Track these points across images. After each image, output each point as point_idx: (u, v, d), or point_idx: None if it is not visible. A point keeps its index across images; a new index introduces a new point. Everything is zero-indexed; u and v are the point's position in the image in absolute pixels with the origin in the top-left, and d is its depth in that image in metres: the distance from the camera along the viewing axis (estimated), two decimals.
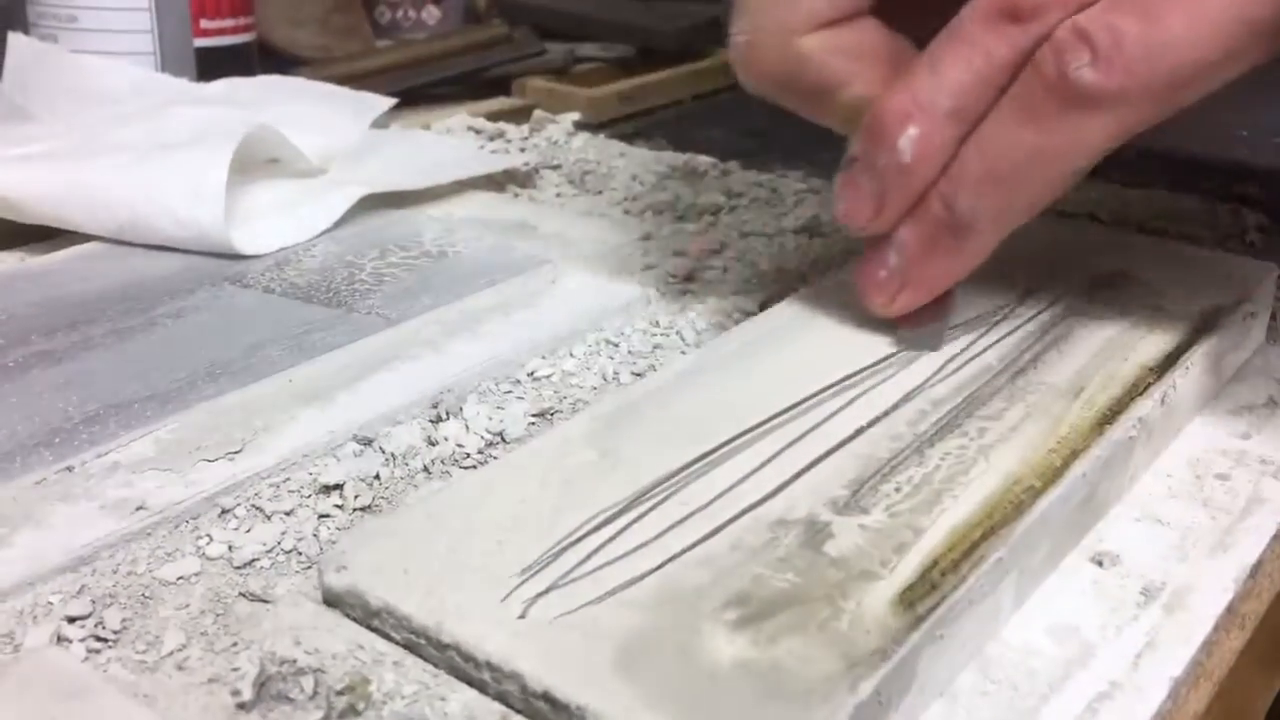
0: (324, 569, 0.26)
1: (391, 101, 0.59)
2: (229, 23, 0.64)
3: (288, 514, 0.30)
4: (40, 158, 0.47)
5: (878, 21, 0.33)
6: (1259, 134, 0.56)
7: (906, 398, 0.31)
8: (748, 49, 0.34)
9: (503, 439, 0.34)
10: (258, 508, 0.30)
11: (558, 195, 0.54)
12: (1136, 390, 0.32)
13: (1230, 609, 0.28)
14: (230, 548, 0.29)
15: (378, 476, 0.32)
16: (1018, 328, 0.35)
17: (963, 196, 0.31)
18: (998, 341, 0.34)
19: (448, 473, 0.32)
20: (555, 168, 0.57)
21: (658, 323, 0.41)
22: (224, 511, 0.30)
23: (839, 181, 0.33)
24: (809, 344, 0.34)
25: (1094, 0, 0.29)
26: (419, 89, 0.69)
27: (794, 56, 0.33)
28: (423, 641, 0.24)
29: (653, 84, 0.73)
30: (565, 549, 0.25)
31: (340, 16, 0.79)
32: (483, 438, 0.34)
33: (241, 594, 0.27)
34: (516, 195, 0.54)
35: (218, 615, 0.26)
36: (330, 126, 0.55)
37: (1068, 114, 0.29)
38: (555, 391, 0.36)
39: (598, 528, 0.26)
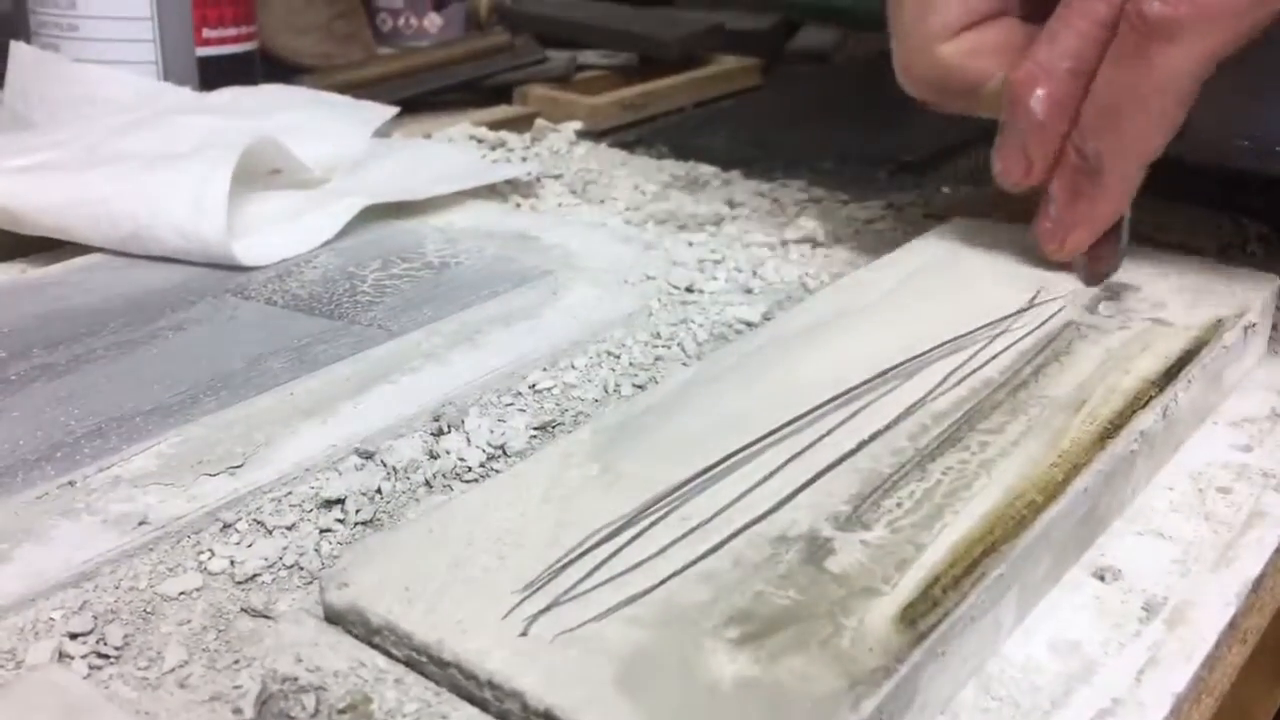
0: (325, 586, 0.26)
1: (393, 110, 0.59)
2: (231, 31, 0.64)
3: (289, 529, 0.30)
4: (42, 168, 0.47)
5: (1015, 20, 0.38)
6: (1260, 144, 0.56)
7: (908, 411, 0.31)
8: (901, 62, 0.39)
9: (504, 452, 0.34)
10: (259, 522, 0.30)
11: (559, 205, 0.54)
12: (1138, 404, 0.32)
13: (1232, 624, 0.28)
14: (232, 563, 0.29)
15: (379, 490, 0.32)
16: (1018, 340, 0.35)
17: (1089, 140, 0.36)
18: (999, 355, 0.34)
19: (449, 486, 0.32)
20: (557, 177, 0.57)
21: (659, 334, 0.41)
22: (226, 526, 0.30)
23: (995, 147, 0.38)
24: (810, 357, 0.34)
25: None
26: (421, 97, 0.69)
27: (938, 64, 0.38)
28: (424, 659, 0.24)
29: (654, 92, 0.73)
30: (566, 565, 0.25)
31: (342, 24, 0.79)
32: (484, 451, 0.34)
33: (243, 610, 0.27)
34: (518, 205, 0.54)
35: (219, 631, 0.26)
36: (332, 136, 0.55)
37: (1150, 48, 0.33)
38: (557, 404, 0.36)
39: (599, 544, 0.26)
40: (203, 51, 0.62)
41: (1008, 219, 0.45)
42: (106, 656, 0.26)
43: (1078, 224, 0.38)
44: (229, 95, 0.58)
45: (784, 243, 0.49)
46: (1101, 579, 0.29)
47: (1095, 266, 0.39)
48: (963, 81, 0.38)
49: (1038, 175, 0.38)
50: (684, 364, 0.39)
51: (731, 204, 0.54)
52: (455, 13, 0.86)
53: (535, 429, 0.35)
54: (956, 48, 0.38)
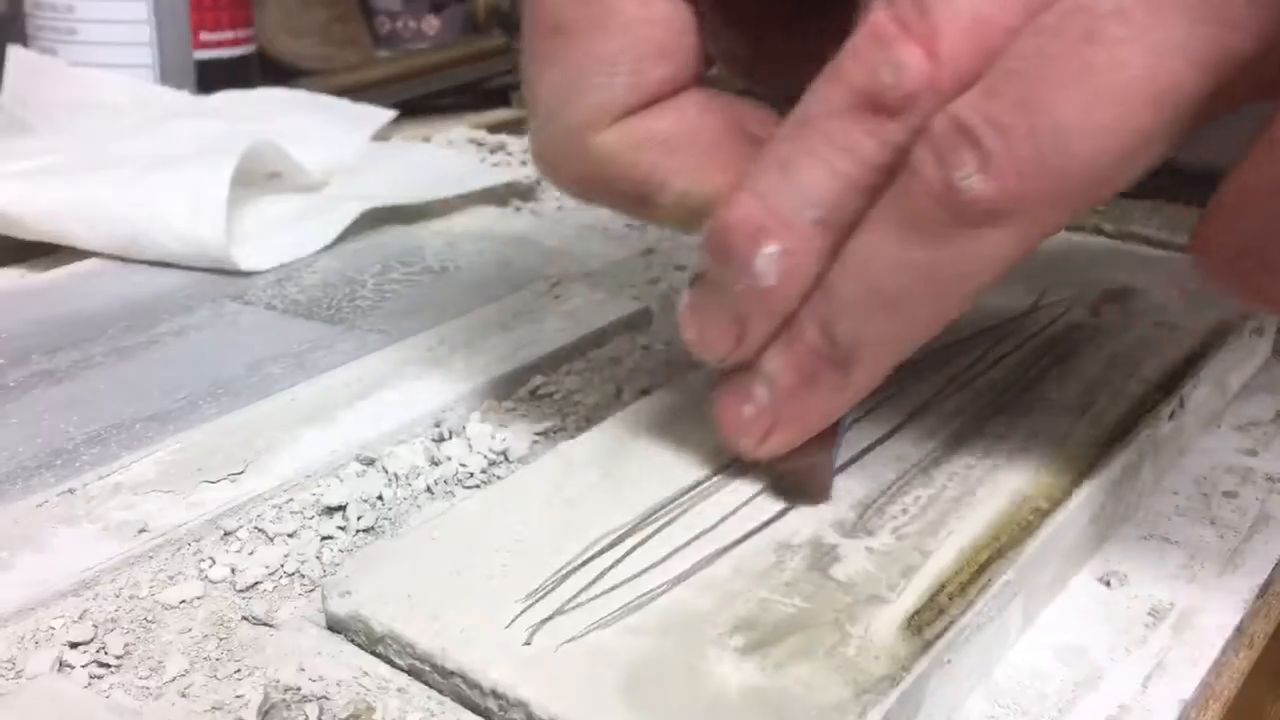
0: (328, 594, 0.25)
1: (392, 114, 0.59)
2: (229, 35, 0.64)
3: (290, 536, 0.30)
4: (40, 173, 0.47)
5: (702, 92, 0.28)
6: None
7: (912, 416, 0.31)
8: (539, 150, 0.28)
9: (506, 458, 0.34)
10: (260, 530, 0.30)
11: (559, 208, 0.54)
12: (1144, 407, 0.32)
13: (1239, 629, 0.28)
14: (233, 570, 0.28)
15: (381, 497, 0.31)
16: (1022, 344, 0.35)
17: (844, 323, 0.25)
18: (1003, 358, 0.34)
19: (451, 493, 0.32)
20: None
21: (661, 339, 0.41)
22: (226, 534, 0.30)
23: (685, 303, 0.28)
24: None
25: (972, 79, 0.23)
26: (419, 100, 0.69)
27: (592, 159, 0.27)
28: (427, 668, 0.24)
29: None
30: (570, 573, 0.25)
31: (340, 27, 0.79)
32: (486, 457, 0.33)
33: (244, 618, 0.27)
34: (518, 209, 0.54)
35: (220, 640, 0.26)
36: (331, 139, 0.55)
37: (960, 229, 0.23)
38: (558, 409, 0.36)
39: (602, 551, 0.26)
40: (200, 55, 0.62)
41: None
42: (107, 666, 0.25)
43: (798, 420, 0.27)
44: (227, 99, 0.58)
45: None
46: (1107, 585, 0.28)
47: (802, 476, 0.28)
48: (629, 183, 0.27)
49: (748, 352, 0.27)
50: (686, 369, 0.39)
51: None
52: (453, 15, 0.86)
53: (537, 435, 0.35)
54: (619, 137, 0.27)
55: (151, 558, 0.29)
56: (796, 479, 0.28)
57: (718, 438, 0.28)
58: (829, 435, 0.28)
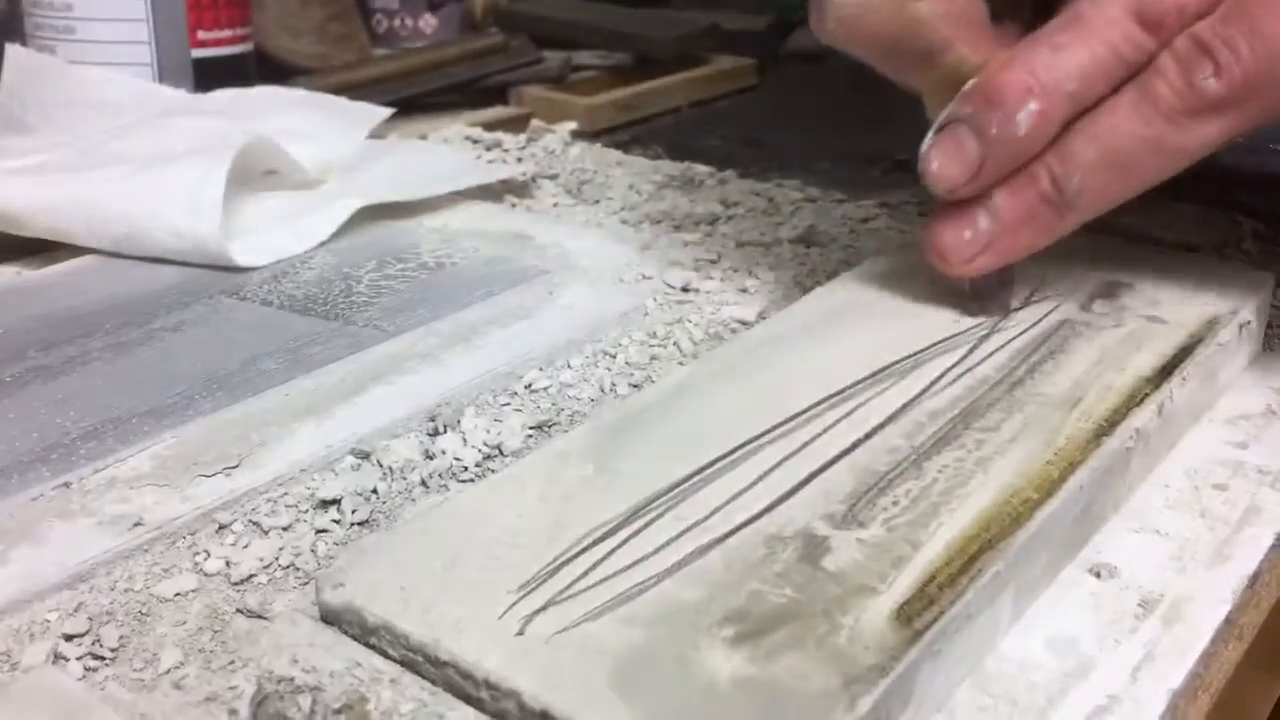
0: (321, 586, 0.26)
1: (388, 111, 0.59)
2: (226, 33, 0.64)
3: (285, 529, 0.30)
4: (37, 170, 0.47)
5: None
6: (1256, 142, 0.56)
7: (903, 410, 0.31)
8: (860, 12, 0.35)
9: (500, 452, 0.34)
10: (255, 523, 0.30)
11: (555, 205, 0.54)
12: (1134, 401, 0.32)
13: (1229, 620, 0.28)
14: (228, 564, 0.29)
15: (375, 491, 0.32)
16: (1014, 338, 0.35)
17: (1075, 177, 0.33)
18: (994, 353, 0.34)
19: (445, 486, 0.32)
20: (552, 177, 0.57)
21: (655, 334, 0.41)
22: (221, 527, 0.30)
23: (933, 141, 0.34)
24: (805, 356, 0.34)
25: (1207, 13, 0.32)
26: (416, 98, 0.69)
27: (909, 19, 0.35)
28: (420, 659, 0.24)
29: (649, 92, 0.73)
30: (562, 565, 0.25)
31: (337, 25, 0.79)
32: (480, 451, 0.34)
33: (239, 610, 0.27)
34: (514, 205, 0.54)
35: (215, 632, 0.26)
36: (327, 137, 0.55)
37: (1193, 117, 0.32)
38: (553, 403, 0.36)
39: (595, 543, 0.26)
40: (198, 53, 0.62)
41: None
42: (102, 658, 0.25)
43: (1007, 249, 0.35)
44: (224, 97, 0.58)
45: (779, 242, 0.49)
46: (1098, 576, 0.29)
47: (994, 292, 0.36)
48: (926, 44, 0.35)
49: (978, 188, 0.34)
50: (680, 363, 0.39)
51: (727, 204, 0.54)
52: (450, 14, 0.86)
53: (531, 429, 0.35)
54: (932, 8, 0.35)
55: (146, 551, 0.29)
56: (989, 294, 0.36)
57: (926, 256, 0.36)
58: (1010, 266, 0.36)
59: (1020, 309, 0.37)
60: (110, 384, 0.36)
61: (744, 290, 0.45)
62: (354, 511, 0.31)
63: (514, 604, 0.24)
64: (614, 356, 0.39)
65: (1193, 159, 0.33)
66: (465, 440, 0.34)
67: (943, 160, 0.34)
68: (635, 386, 0.37)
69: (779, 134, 0.68)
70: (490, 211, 0.52)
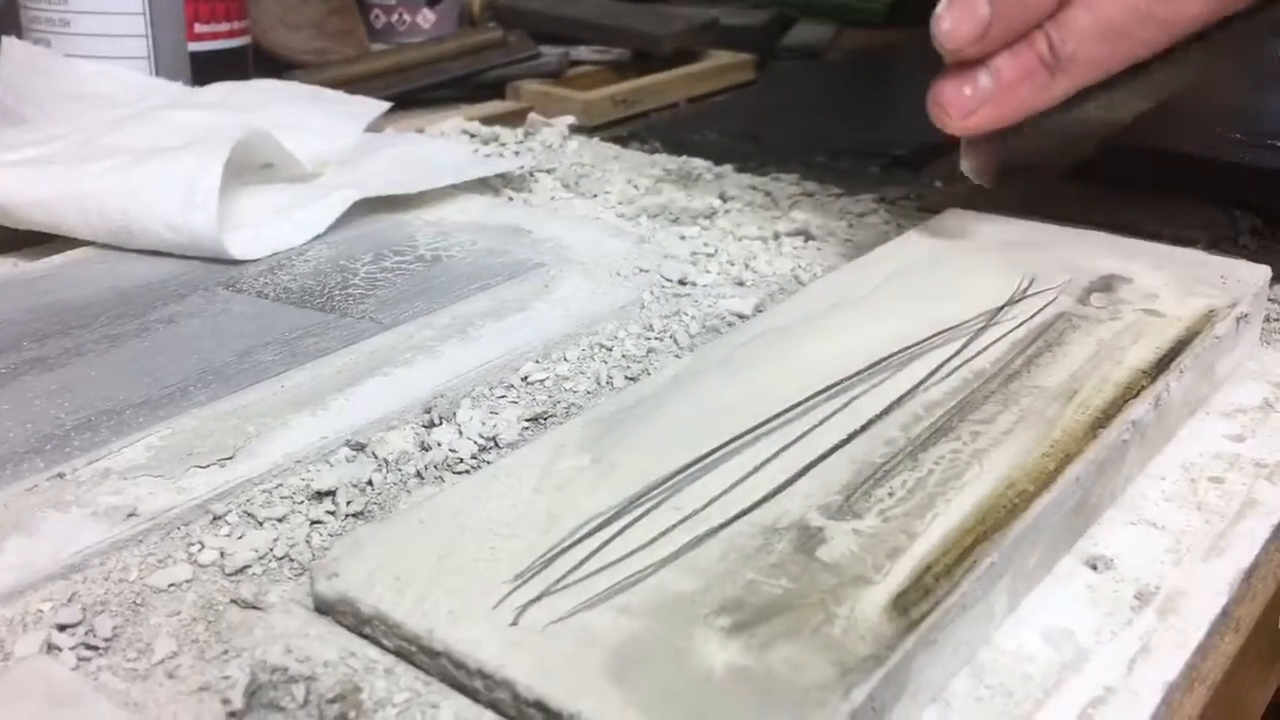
0: (315, 576, 0.26)
1: (386, 105, 0.59)
2: (223, 26, 0.64)
3: (280, 520, 0.30)
4: (33, 162, 0.47)
5: None
6: (1252, 137, 0.56)
7: (899, 402, 0.31)
8: None
9: (496, 444, 0.34)
10: (250, 514, 0.30)
11: (552, 199, 0.54)
12: (1130, 393, 0.32)
13: (1225, 613, 0.28)
14: (222, 554, 0.29)
15: (370, 482, 0.32)
16: (1011, 331, 0.35)
17: (1070, 43, 0.37)
18: (991, 345, 0.34)
19: (441, 478, 0.32)
20: (550, 171, 0.57)
21: (651, 327, 0.41)
22: (216, 518, 0.30)
23: (944, 6, 0.37)
24: (802, 348, 0.34)
25: None
26: (414, 93, 0.69)
27: None
28: (414, 649, 0.24)
29: (647, 87, 0.73)
30: (558, 555, 0.25)
31: (335, 20, 0.79)
32: (476, 443, 0.33)
33: (233, 601, 0.27)
34: (511, 199, 0.54)
35: (209, 623, 0.26)
36: (325, 130, 0.55)
37: None
38: (549, 396, 0.36)
39: (590, 533, 0.26)
40: (195, 47, 0.62)
41: (999, 211, 0.45)
42: (95, 648, 0.25)
43: (1004, 106, 0.38)
44: (221, 90, 0.58)
45: (776, 236, 0.49)
46: (1094, 568, 0.29)
47: (974, 160, 0.41)
48: None
49: (982, 50, 0.38)
50: (676, 356, 0.39)
51: (724, 198, 0.54)
52: (448, 9, 0.86)
53: (527, 421, 0.35)
54: None
55: (141, 541, 0.29)
56: (980, 157, 0.41)
57: (930, 111, 0.39)
58: (1000, 144, 0.41)
59: (1017, 302, 0.37)
60: (105, 375, 0.36)
61: (741, 284, 0.44)
62: (349, 503, 0.31)
63: (509, 594, 0.24)
64: (610, 349, 0.39)
65: (1173, 36, 0.37)
66: (461, 432, 0.34)
67: (954, 20, 0.37)
68: (631, 379, 0.37)
69: (776, 129, 0.68)
70: (488, 205, 0.52)
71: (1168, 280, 0.38)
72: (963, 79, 0.38)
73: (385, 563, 0.25)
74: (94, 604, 0.27)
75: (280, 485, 0.31)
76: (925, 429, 0.30)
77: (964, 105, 0.38)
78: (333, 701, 0.23)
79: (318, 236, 0.47)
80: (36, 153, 0.49)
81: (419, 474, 0.32)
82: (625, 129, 0.68)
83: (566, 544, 0.26)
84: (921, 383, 0.32)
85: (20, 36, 0.60)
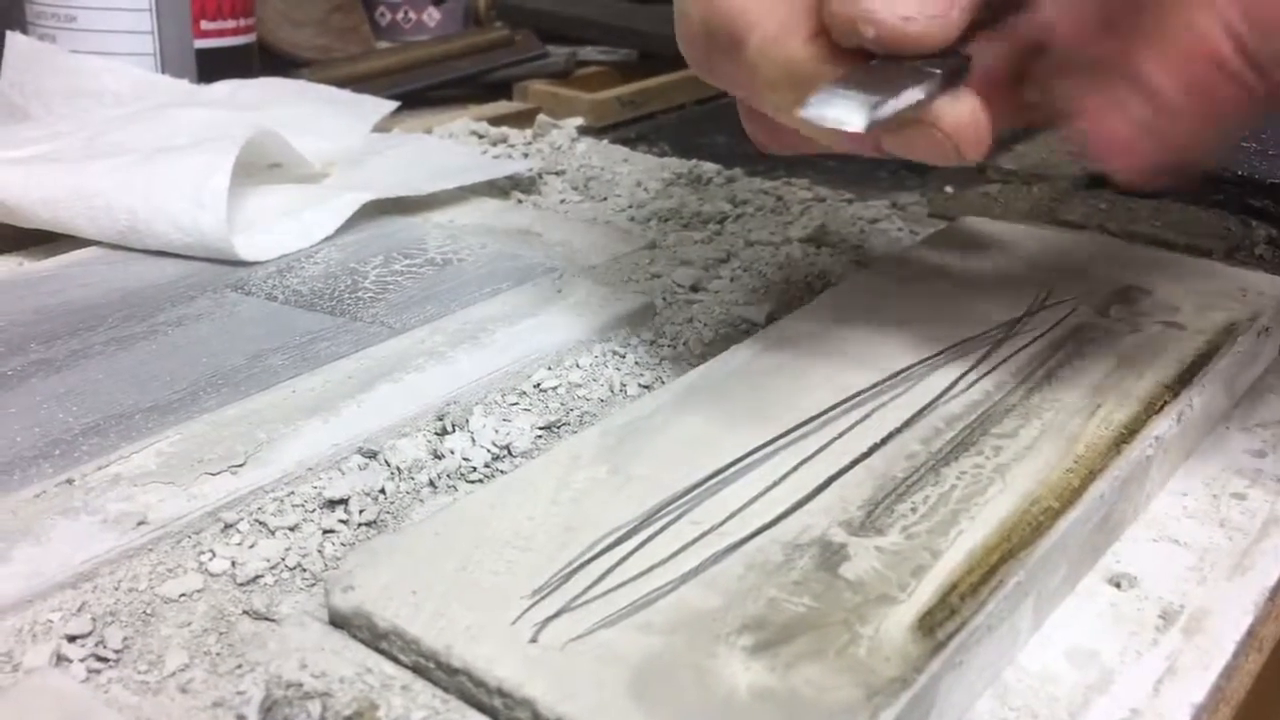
0: (331, 589, 0.25)
1: (393, 104, 0.59)
2: (229, 24, 0.63)
3: (292, 529, 0.30)
4: (39, 160, 0.47)
5: None
6: (1268, 147, 0.56)
7: (920, 414, 0.31)
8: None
9: (509, 452, 0.33)
10: (261, 523, 0.30)
11: (562, 202, 0.54)
12: (1153, 408, 0.31)
13: (1250, 632, 0.27)
14: (234, 564, 0.28)
15: (383, 491, 0.31)
16: (1030, 343, 0.35)
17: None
18: (1011, 357, 0.34)
19: (454, 487, 0.32)
20: (559, 173, 0.57)
21: (664, 333, 0.40)
22: (227, 526, 0.29)
23: None
24: (819, 359, 0.34)
25: None
26: (420, 92, 0.68)
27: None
28: (432, 665, 0.23)
29: (654, 88, 0.73)
30: (576, 570, 0.25)
31: (340, 17, 0.79)
32: (489, 451, 0.33)
33: (245, 612, 0.27)
34: (520, 201, 0.53)
35: (221, 634, 0.26)
36: (332, 130, 0.54)
37: None
38: (562, 403, 0.36)
39: (609, 548, 0.26)
40: (201, 44, 0.62)
41: (1013, 219, 0.44)
42: (106, 659, 0.25)
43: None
44: (227, 88, 0.58)
45: (789, 241, 0.49)
46: (1118, 586, 0.28)
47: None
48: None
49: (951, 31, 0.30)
50: (689, 364, 0.38)
51: (735, 202, 0.53)
52: (454, 8, 0.85)
53: (541, 429, 0.34)
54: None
55: (151, 550, 0.29)
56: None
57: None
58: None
59: (1035, 313, 0.36)
60: (113, 379, 0.35)
61: (754, 290, 0.44)
62: (361, 512, 0.30)
63: (527, 609, 0.24)
64: (623, 356, 0.39)
65: None
66: (474, 440, 0.33)
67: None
68: (645, 387, 0.37)
69: None
70: (497, 207, 0.51)
71: (1187, 292, 0.38)
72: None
73: (401, 575, 0.25)
74: (104, 614, 0.26)
75: (292, 493, 0.31)
76: (947, 443, 0.30)
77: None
78: (349, 719, 0.23)
79: (327, 238, 0.46)
80: (41, 150, 0.48)
81: (432, 483, 0.32)
82: (633, 130, 0.68)
83: (585, 558, 0.25)
84: (941, 395, 0.32)
85: (25, 32, 0.59)
